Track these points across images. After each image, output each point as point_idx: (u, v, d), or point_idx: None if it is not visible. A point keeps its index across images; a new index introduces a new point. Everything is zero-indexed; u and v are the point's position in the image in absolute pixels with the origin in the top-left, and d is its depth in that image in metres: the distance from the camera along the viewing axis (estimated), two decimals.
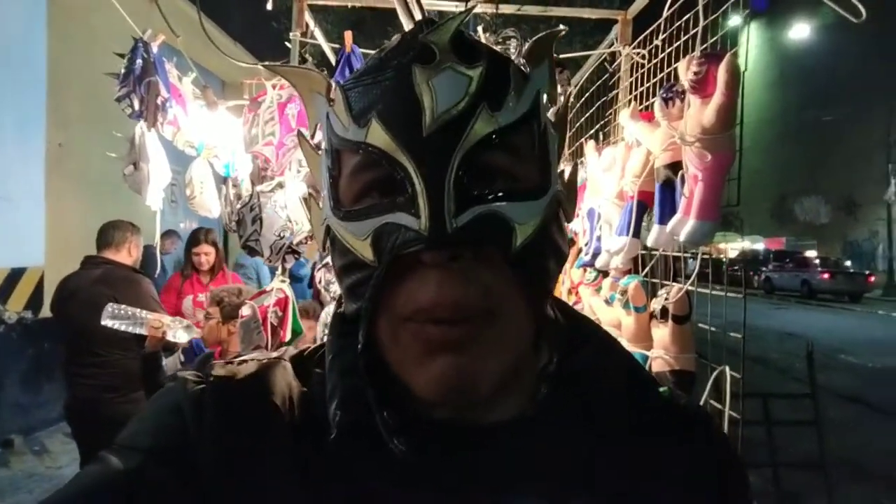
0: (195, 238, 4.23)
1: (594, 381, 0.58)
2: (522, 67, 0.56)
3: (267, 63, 0.65)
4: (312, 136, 0.64)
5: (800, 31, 27.77)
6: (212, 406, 0.55)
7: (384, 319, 0.52)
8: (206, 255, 4.12)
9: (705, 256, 1.74)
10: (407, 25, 0.63)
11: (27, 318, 5.48)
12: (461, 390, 0.50)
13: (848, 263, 23.83)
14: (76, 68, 5.65)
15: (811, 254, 25.48)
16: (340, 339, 0.58)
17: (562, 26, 0.73)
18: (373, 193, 0.52)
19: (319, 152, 0.60)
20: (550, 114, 0.59)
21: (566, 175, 0.61)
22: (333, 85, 0.56)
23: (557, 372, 0.57)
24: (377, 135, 0.50)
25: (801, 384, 4.97)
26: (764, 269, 24.62)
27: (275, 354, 0.63)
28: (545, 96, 0.57)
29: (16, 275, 5.47)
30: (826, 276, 21.30)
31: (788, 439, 4.31)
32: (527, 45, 0.59)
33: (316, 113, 0.58)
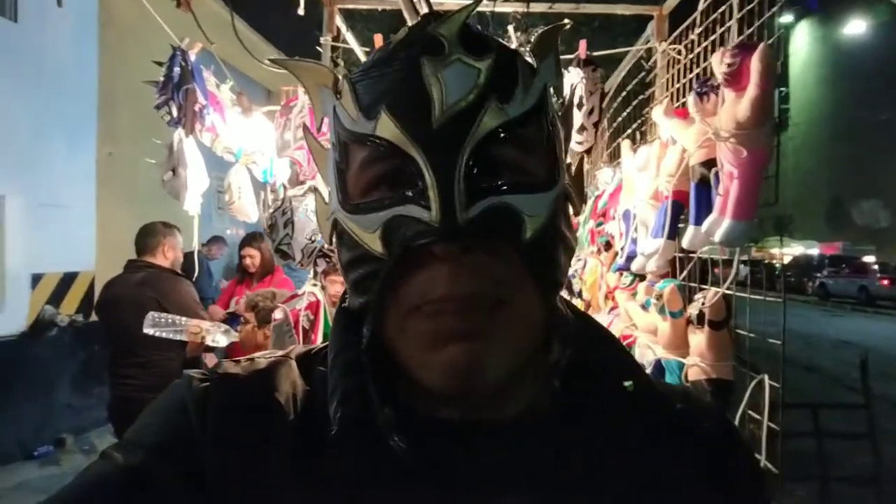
0: (242, 241, 4.43)
1: (601, 383, 0.58)
2: (530, 60, 0.56)
3: (272, 58, 0.64)
4: (318, 130, 0.63)
5: (855, 27, 26.81)
6: (216, 403, 0.55)
7: (392, 312, 0.52)
8: (251, 257, 4.30)
9: (744, 258, 1.66)
10: (411, 21, 0.63)
11: (78, 321, 5.68)
12: (471, 379, 0.50)
13: None
14: (125, 80, 5.85)
15: (869, 259, 24.39)
16: (343, 335, 0.57)
17: (566, 20, 0.72)
18: (381, 186, 0.52)
19: (326, 147, 0.60)
20: (557, 107, 0.59)
21: (573, 169, 0.61)
22: (340, 78, 0.55)
23: (567, 368, 0.56)
24: (386, 127, 0.50)
25: (856, 394, 4.74)
26: (818, 274, 23.72)
27: (281, 353, 0.63)
28: (552, 90, 0.56)
29: (68, 279, 5.68)
30: (886, 282, 20.38)
31: (842, 452, 4.12)
32: (533, 39, 0.58)
33: (322, 107, 0.58)
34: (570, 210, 0.59)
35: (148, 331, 2.87)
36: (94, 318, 5.53)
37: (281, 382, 0.58)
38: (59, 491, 0.51)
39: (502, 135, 0.50)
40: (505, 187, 0.50)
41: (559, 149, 0.56)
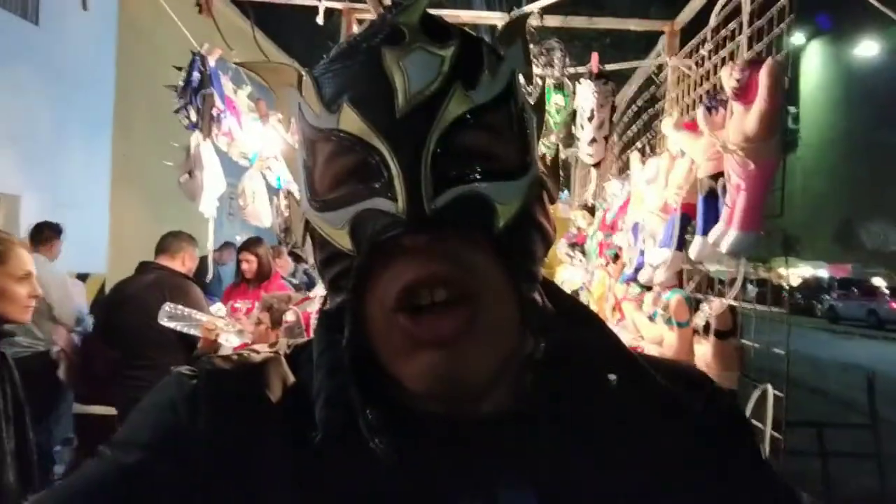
0: (241, 246, 4.36)
1: (585, 367, 0.56)
2: (499, 48, 0.55)
3: (237, 62, 0.65)
4: (287, 131, 0.62)
5: (867, 48, 26.74)
6: (206, 401, 0.55)
7: (373, 310, 0.51)
8: (248, 262, 4.20)
9: (750, 273, 1.68)
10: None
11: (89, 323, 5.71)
12: (450, 383, 0.49)
13: None
14: (142, 84, 5.94)
15: (879, 282, 24.15)
16: (328, 333, 0.56)
17: (536, 10, 0.71)
18: (348, 181, 0.51)
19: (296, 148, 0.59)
20: (528, 94, 0.58)
21: (548, 158, 0.60)
22: (304, 75, 0.55)
23: (545, 359, 0.55)
24: (349, 120, 0.49)
25: (863, 418, 4.70)
26: (827, 296, 23.53)
27: (270, 349, 0.63)
28: (521, 76, 0.56)
29: (81, 280, 5.73)
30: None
31: (847, 473, 4.09)
32: (500, 27, 0.58)
33: (290, 107, 0.56)
34: (546, 199, 0.57)
35: (163, 321, 2.89)
36: None
37: (271, 379, 0.57)
38: (53, 488, 0.51)
39: (469, 122, 0.49)
40: (475, 175, 0.49)
41: (531, 135, 0.55)
